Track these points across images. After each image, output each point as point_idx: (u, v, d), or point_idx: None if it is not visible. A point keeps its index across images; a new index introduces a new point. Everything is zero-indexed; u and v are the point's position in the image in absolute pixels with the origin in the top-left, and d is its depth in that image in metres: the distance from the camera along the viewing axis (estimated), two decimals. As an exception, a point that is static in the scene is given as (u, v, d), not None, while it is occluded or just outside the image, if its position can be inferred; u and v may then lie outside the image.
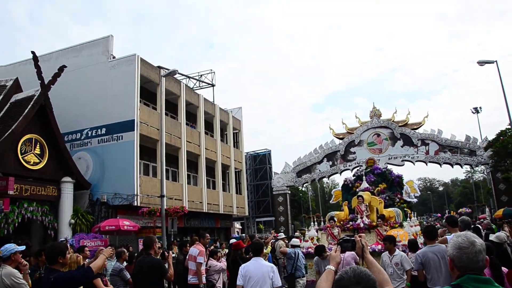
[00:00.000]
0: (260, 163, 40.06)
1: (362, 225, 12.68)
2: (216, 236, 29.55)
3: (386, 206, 14.71)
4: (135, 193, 19.97)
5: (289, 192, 33.26)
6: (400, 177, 17.98)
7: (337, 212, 15.11)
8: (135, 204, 19.79)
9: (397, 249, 7.55)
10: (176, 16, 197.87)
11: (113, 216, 19.41)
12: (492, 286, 2.31)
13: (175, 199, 22.58)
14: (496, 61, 21.28)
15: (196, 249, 8.51)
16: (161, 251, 6.98)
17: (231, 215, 31.00)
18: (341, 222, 13.66)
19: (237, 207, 31.15)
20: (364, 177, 16.98)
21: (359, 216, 13.27)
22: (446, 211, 41.38)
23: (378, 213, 13.48)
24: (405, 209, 15.80)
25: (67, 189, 18.93)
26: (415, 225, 12.52)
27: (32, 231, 18.30)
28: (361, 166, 25.91)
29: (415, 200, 18.27)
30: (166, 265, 6.57)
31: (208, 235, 9.34)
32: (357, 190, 15.74)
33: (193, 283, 8.39)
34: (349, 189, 17.68)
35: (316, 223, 15.01)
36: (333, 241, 11.81)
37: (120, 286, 7.58)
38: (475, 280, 2.32)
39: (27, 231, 17.78)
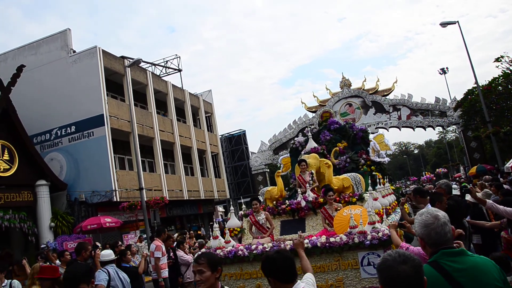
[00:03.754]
0: (236, 144, 39.91)
1: (303, 203, 8.30)
2: (200, 222, 29.54)
3: (346, 171, 10.39)
4: (113, 188, 19.63)
5: (268, 170, 33.32)
6: (364, 131, 12.65)
7: (270, 188, 10.13)
8: (115, 199, 19.47)
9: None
10: (131, 1, 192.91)
11: (94, 214, 19.08)
12: (465, 256, 2.40)
13: (155, 190, 22.32)
14: (458, 21, 21.50)
15: (153, 245, 8.80)
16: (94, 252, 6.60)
17: (212, 199, 30.90)
18: (274, 202, 9.14)
19: (217, 190, 31.06)
20: (309, 134, 11.71)
21: (300, 190, 8.79)
22: (423, 173, 42.32)
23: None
24: (374, 173, 10.72)
25: (43, 192, 18.42)
26: (382, 196, 8.24)
27: (12, 239, 17.79)
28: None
29: (387, 159, 12.69)
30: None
31: (166, 230, 9.49)
32: (303, 152, 11.20)
33: (154, 278, 8.74)
34: (298, 153, 11.90)
35: (244, 207, 9.31)
36: (259, 234, 7.54)
37: None
38: (449, 254, 2.40)
39: (6, 240, 17.30)
